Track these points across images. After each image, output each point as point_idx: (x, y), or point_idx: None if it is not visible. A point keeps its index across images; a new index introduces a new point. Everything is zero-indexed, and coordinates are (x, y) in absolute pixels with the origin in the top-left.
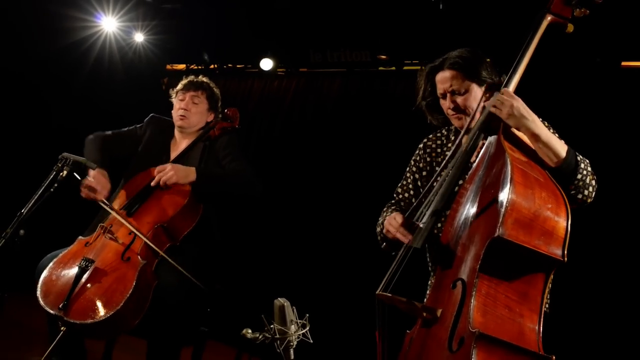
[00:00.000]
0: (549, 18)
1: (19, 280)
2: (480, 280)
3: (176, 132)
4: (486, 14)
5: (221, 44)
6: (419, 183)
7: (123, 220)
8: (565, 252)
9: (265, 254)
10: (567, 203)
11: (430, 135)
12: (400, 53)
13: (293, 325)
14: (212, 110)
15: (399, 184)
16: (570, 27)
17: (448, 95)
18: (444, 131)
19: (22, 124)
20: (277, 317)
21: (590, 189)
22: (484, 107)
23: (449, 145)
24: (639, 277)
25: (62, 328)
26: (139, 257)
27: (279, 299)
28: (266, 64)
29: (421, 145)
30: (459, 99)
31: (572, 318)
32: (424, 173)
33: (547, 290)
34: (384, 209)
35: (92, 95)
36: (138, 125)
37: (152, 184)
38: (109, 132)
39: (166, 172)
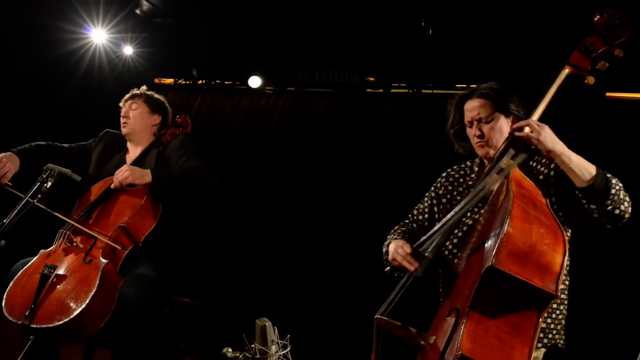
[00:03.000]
0: (567, 70)
1: None
2: (473, 309)
3: (128, 144)
4: (474, 39)
5: (210, 59)
6: (436, 209)
7: (77, 224)
8: (559, 287)
9: (248, 272)
10: (567, 242)
11: (455, 166)
12: (388, 76)
13: (274, 346)
14: (155, 113)
15: (416, 207)
16: (591, 79)
17: (475, 123)
18: (468, 162)
19: (9, 133)
20: (258, 337)
21: (626, 204)
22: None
23: (472, 176)
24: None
25: (30, 337)
26: (100, 258)
27: (260, 318)
28: (254, 81)
29: (444, 174)
30: (485, 128)
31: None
32: (444, 200)
33: (540, 324)
34: (395, 228)
35: (81, 106)
36: (92, 140)
37: (112, 186)
38: (65, 145)
39: (122, 173)
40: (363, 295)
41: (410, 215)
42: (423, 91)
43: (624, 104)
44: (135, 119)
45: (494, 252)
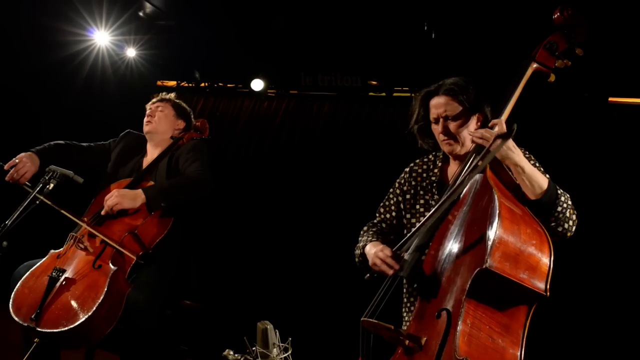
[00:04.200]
0: (534, 66)
1: None
2: (466, 310)
3: (148, 145)
4: (477, 44)
5: (213, 62)
6: (402, 205)
7: (88, 227)
8: (548, 287)
9: (250, 275)
10: (550, 240)
11: (417, 160)
12: (391, 79)
13: (275, 349)
14: (180, 118)
15: (381, 204)
16: (552, 77)
17: (441, 120)
18: (430, 157)
19: (12, 135)
20: (259, 340)
21: (571, 222)
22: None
23: (435, 171)
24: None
25: (35, 340)
26: (110, 264)
27: (262, 321)
28: (257, 84)
29: (407, 169)
30: (451, 125)
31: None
32: (408, 196)
33: (528, 323)
34: (364, 229)
35: (83, 108)
36: (112, 140)
37: (102, 212)
38: (84, 144)
39: (112, 199)
40: (365, 298)
41: (377, 214)
42: None
43: (626, 109)
44: (160, 119)
45: (487, 254)
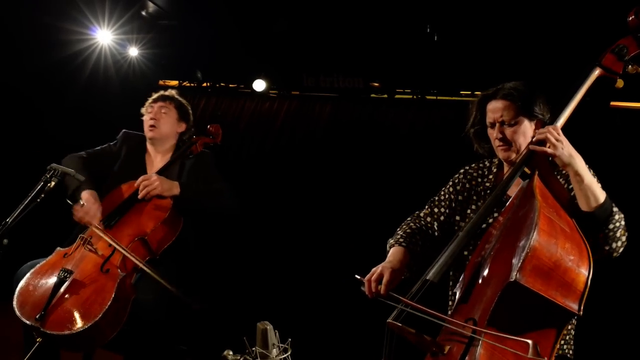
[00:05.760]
0: (597, 71)
1: None
2: (491, 323)
3: (149, 146)
4: (479, 46)
5: (215, 62)
6: (454, 204)
7: (103, 234)
8: (582, 306)
9: (250, 275)
10: (591, 258)
11: (473, 165)
12: (393, 81)
13: (275, 349)
14: (182, 121)
15: (431, 199)
16: (620, 83)
17: (497, 125)
18: (486, 162)
19: (14, 133)
20: (259, 340)
21: (619, 243)
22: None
23: (490, 177)
24: None
25: (37, 339)
26: (118, 269)
27: (262, 321)
28: (259, 85)
29: (462, 171)
30: (508, 131)
31: None
32: (460, 197)
33: (559, 341)
34: (407, 220)
35: (86, 106)
36: (111, 143)
37: (139, 196)
38: (83, 153)
39: (152, 183)
40: (364, 299)
41: (427, 207)
42: (427, 97)
43: (628, 114)
44: (165, 124)
45: (518, 266)
